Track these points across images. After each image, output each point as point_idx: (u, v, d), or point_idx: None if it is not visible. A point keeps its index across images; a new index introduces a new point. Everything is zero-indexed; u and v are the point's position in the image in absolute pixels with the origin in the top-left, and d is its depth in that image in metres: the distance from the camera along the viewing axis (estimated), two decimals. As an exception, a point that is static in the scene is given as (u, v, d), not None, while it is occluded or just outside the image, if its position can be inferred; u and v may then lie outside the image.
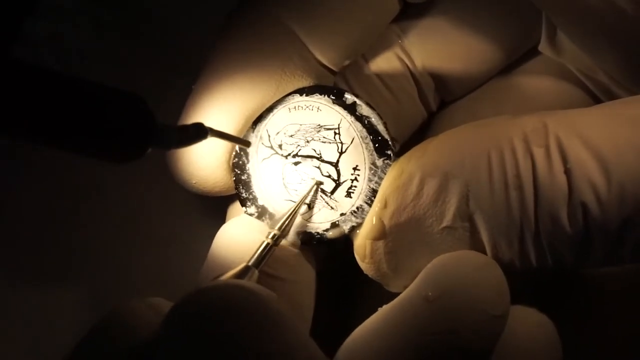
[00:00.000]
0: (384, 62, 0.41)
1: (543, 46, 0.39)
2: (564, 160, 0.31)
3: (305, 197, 0.36)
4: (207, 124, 0.35)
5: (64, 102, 0.27)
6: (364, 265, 0.35)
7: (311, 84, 0.37)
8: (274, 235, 0.35)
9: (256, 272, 0.33)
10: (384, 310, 0.33)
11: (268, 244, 0.34)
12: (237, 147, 0.37)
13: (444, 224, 0.32)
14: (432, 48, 0.41)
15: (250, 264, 0.34)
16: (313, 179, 0.36)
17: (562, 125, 0.32)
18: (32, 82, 0.26)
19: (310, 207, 0.36)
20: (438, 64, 0.41)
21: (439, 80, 0.42)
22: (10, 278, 0.44)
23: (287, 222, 0.35)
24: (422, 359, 0.30)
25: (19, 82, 0.26)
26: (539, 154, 0.31)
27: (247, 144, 0.37)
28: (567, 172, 0.31)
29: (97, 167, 0.39)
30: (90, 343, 0.32)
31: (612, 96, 0.39)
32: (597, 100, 0.41)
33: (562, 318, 0.33)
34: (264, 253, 0.34)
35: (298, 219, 0.37)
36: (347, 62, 0.38)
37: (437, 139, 0.34)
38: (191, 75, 0.38)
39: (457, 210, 0.32)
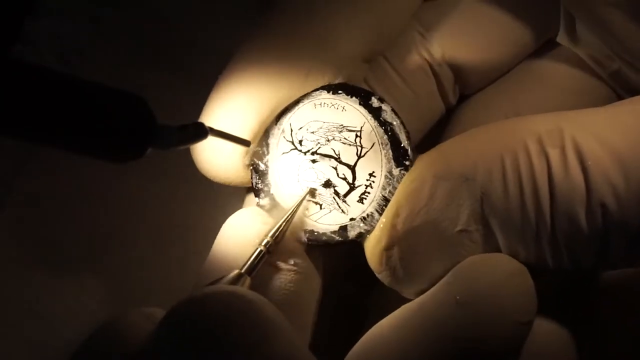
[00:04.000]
0: (403, 57, 0.41)
1: (561, 37, 0.39)
2: (581, 159, 0.30)
3: (299, 204, 0.36)
4: (232, 111, 0.35)
5: (64, 102, 0.27)
6: (379, 274, 0.34)
7: (340, 77, 0.37)
8: (267, 242, 0.34)
9: (248, 279, 0.33)
10: (406, 308, 0.32)
11: (261, 251, 0.34)
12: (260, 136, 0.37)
13: (459, 227, 0.32)
14: (451, 41, 0.41)
15: (242, 271, 0.33)
16: (307, 187, 0.36)
17: (577, 125, 0.31)
18: (32, 82, 0.26)
19: (321, 207, 0.36)
20: (457, 56, 0.41)
21: (459, 72, 0.42)
22: (25, 268, 0.44)
23: (280, 229, 0.35)
24: None
25: (19, 82, 0.26)
26: (554, 154, 0.31)
27: (247, 143, 0.37)
28: (585, 171, 0.30)
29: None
30: (86, 352, 0.32)
31: (628, 87, 0.39)
32: (615, 93, 0.41)
33: (582, 326, 0.33)
34: (256, 260, 0.34)
35: (299, 223, 0.36)
36: (375, 51, 0.38)
37: (450, 142, 0.34)
38: (192, 76, 0.38)
39: (471, 213, 0.32)
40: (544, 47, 0.43)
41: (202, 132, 0.32)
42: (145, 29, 0.48)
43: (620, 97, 0.41)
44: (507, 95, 0.42)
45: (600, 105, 0.35)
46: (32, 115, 0.26)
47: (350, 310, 0.41)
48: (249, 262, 0.34)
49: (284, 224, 0.35)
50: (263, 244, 0.34)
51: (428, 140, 0.42)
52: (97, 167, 0.43)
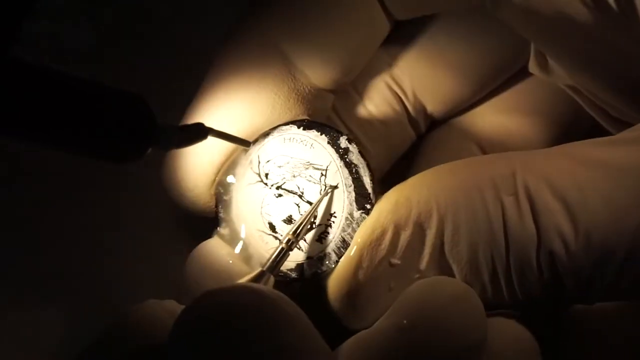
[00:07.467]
0: (373, 90, 0.42)
1: (532, 66, 0.39)
2: (532, 208, 0.31)
3: (320, 201, 0.36)
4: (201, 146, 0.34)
5: (64, 102, 0.27)
6: (339, 315, 0.34)
7: (307, 109, 0.37)
8: (289, 240, 0.34)
9: (272, 277, 0.33)
10: (358, 337, 0.32)
11: (283, 248, 0.34)
12: (226, 167, 0.37)
13: (418, 274, 0.33)
14: (421, 74, 0.42)
15: (265, 269, 0.33)
16: (327, 185, 0.36)
17: (529, 172, 0.32)
18: (31, 82, 0.26)
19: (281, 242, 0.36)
20: (428, 89, 0.42)
21: (430, 104, 0.42)
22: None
23: (301, 226, 0.35)
24: None
25: (19, 81, 0.26)
26: (508, 202, 0.31)
27: (247, 144, 0.37)
28: (536, 219, 0.31)
29: (81, 176, 0.39)
30: (103, 345, 0.32)
31: (602, 110, 0.39)
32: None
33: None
34: (278, 258, 0.34)
35: (258, 257, 0.36)
36: (341, 82, 0.38)
37: (407, 187, 0.34)
38: (192, 75, 0.38)
39: (431, 259, 0.32)
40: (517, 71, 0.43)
41: (202, 132, 0.32)
42: (145, 30, 0.48)
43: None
44: (480, 121, 0.43)
45: (576, 128, 0.36)
46: (31, 116, 0.26)
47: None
48: (270, 260, 0.34)
49: (304, 220, 0.35)
50: (285, 241, 0.34)
51: (398, 166, 0.43)
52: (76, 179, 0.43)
